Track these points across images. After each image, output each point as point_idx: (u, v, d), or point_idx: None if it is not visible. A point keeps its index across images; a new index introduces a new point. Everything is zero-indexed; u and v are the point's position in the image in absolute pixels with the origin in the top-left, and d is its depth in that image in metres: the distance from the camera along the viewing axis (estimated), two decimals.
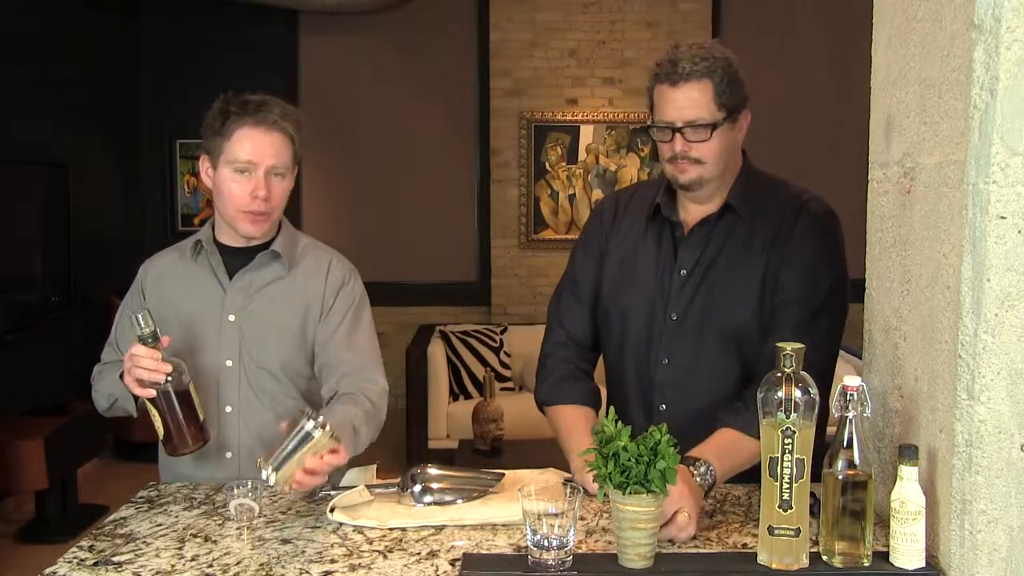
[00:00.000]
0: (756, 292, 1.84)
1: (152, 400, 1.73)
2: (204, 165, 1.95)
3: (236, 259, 1.99)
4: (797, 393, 1.39)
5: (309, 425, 1.57)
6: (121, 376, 1.84)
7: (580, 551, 1.49)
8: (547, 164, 6.44)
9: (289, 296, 1.98)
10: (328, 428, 1.58)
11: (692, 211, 1.92)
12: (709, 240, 1.88)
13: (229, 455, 1.97)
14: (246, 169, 1.87)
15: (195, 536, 1.60)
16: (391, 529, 1.61)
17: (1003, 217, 1.31)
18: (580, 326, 2.02)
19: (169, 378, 1.72)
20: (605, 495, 1.55)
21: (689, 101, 1.77)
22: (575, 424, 1.89)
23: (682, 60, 1.77)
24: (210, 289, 1.98)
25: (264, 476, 1.57)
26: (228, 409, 1.95)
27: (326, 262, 2.02)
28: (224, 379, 1.95)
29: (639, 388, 1.93)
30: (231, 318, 1.96)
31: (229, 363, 1.96)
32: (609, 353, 2.02)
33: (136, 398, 1.84)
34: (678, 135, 1.79)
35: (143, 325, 1.72)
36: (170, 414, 1.74)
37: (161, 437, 1.77)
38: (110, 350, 2.05)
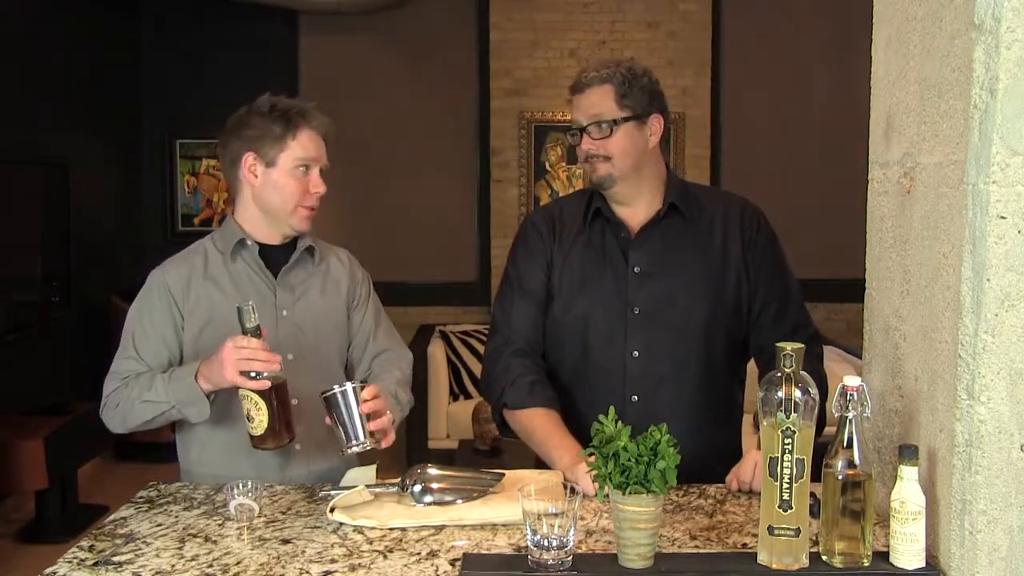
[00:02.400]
0: (715, 284, 2.00)
1: (262, 393, 1.76)
2: (248, 163, 1.99)
3: (269, 257, 2.05)
4: (797, 393, 1.39)
5: (337, 389, 1.77)
6: (196, 376, 1.84)
7: (580, 551, 1.49)
8: (547, 164, 6.44)
9: (326, 287, 2.10)
10: (353, 383, 1.79)
11: (624, 215, 2.03)
12: (659, 237, 2.01)
13: (298, 447, 1.98)
14: (309, 166, 2.00)
15: (195, 536, 1.60)
16: (391, 529, 1.61)
17: (1003, 217, 1.31)
18: (533, 329, 2.06)
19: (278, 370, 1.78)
20: (606, 495, 1.55)
21: (590, 102, 1.97)
22: (555, 426, 1.93)
23: (586, 71, 1.99)
24: (258, 287, 2.02)
25: (354, 450, 1.77)
26: (295, 402, 1.94)
27: (338, 254, 2.18)
28: (288, 373, 1.94)
29: (607, 385, 1.97)
30: (285, 313, 2.02)
31: (291, 357, 1.99)
32: (565, 359, 2.05)
33: (210, 398, 1.86)
34: (584, 135, 1.97)
35: (251, 318, 1.77)
36: (280, 405, 1.78)
37: (261, 432, 1.78)
38: (131, 362, 1.96)
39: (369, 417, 1.80)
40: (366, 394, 1.80)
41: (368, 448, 1.80)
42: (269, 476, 1.94)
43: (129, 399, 1.91)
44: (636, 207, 2.02)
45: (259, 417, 1.77)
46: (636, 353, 1.97)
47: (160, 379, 1.89)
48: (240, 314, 1.77)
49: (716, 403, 2.04)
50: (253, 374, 1.76)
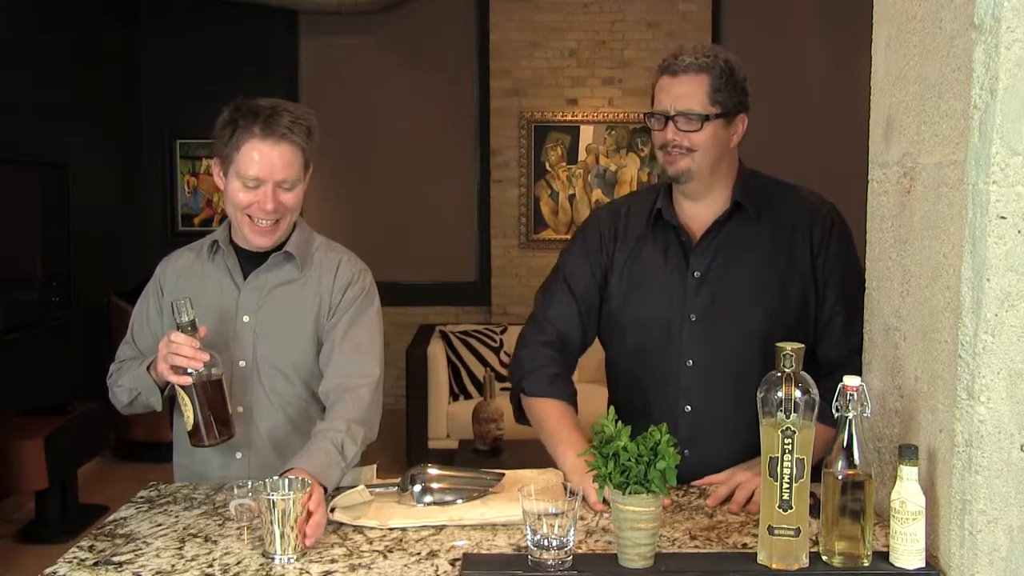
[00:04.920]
0: (777, 291, 1.89)
1: (186, 388, 1.74)
2: (216, 168, 1.95)
3: (252, 260, 2.00)
4: (797, 393, 1.39)
5: (261, 498, 1.50)
6: (149, 368, 1.86)
7: (580, 551, 1.49)
8: (547, 164, 6.44)
9: (302, 297, 1.98)
10: (280, 488, 1.53)
11: (691, 213, 1.94)
12: (721, 241, 1.92)
13: (239, 455, 1.97)
14: (255, 185, 1.87)
15: (195, 536, 1.60)
16: (391, 529, 1.61)
17: (1003, 217, 1.31)
18: (570, 324, 2.00)
19: (205, 367, 1.74)
20: (605, 498, 1.55)
21: (684, 91, 1.84)
22: (566, 420, 1.90)
23: (685, 54, 1.86)
24: (225, 289, 1.99)
25: (281, 562, 1.49)
26: (240, 409, 1.95)
27: (336, 261, 2.03)
28: (237, 379, 1.96)
29: (662, 392, 1.92)
30: (245, 319, 1.97)
31: (242, 363, 1.96)
32: (622, 361, 2.00)
33: (162, 390, 1.86)
34: (670, 123, 1.85)
35: (184, 313, 1.75)
36: (203, 403, 1.75)
37: (189, 428, 1.77)
38: (127, 347, 2.04)
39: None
40: (305, 501, 1.53)
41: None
42: (213, 476, 1.95)
43: (116, 382, 1.99)
44: (703, 204, 1.93)
45: (187, 413, 1.76)
46: (691, 362, 1.89)
47: (133, 366, 1.96)
48: (174, 308, 1.76)
49: None
50: (189, 370, 1.74)
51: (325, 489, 1.66)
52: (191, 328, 1.75)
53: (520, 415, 2.03)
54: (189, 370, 1.73)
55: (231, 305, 1.97)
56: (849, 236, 1.95)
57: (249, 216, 1.89)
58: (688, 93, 1.84)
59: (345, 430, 1.79)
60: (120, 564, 1.48)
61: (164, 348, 1.75)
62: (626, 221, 2.01)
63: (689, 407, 1.90)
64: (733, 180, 1.94)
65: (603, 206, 2.15)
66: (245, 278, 1.98)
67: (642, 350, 1.95)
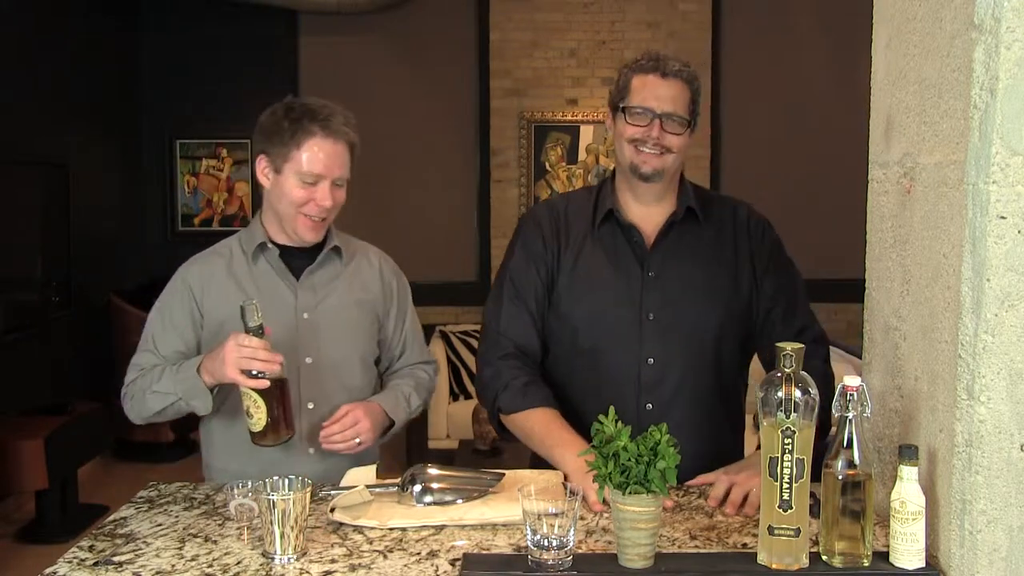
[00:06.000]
0: (729, 289, 1.97)
1: (260, 391, 1.77)
2: (262, 165, 1.97)
3: (294, 258, 2.02)
4: (797, 393, 1.39)
5: (261, 498, 1.49)
6: (197, 371, 1.86)
7: (580, 551, 1.49)
8: (547, 164, 6.44)
9: (353, 290, 2.06)
10: (280, 488, 1.52)
11: (641, 214, 1.98)
12: (673, 241, 1.97)
13: (312, 451, 1.99)
14: (314, 181, 1.92)
15: (195, 536, 1.60)
16: (391, 529, 1.61)
17: (1003, 217, 1.31)
18: (526, 335, 1.98)
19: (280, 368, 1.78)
20: (605, 499, 1.55)
21: (674, 94, 1.90)
22: (553, 423, 1.88)
23: (669, 59, 1.91)
24: (279, 289, 2.01)
25: (281, 562, 1.48)
26: (311, 405, 1.97)
27: (374, 254, 2.15)
28: (305, 377, 1.98)
29: (622, 391, 1.92)
30: (305, 316, 2.00)
31: (309, 360, 1.99)
32: (575, 360, 1.98)
33: (213, 391, 1.88)
34: (657, 121, 1.88)
35: (253, 317, 1.77)
36: (279, 404, 1.79)
37: (259, 428, 1.80)
38: (149, 355, 2.00)
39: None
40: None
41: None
42: (276, 473, 1.93)
43: (141, 390, 1.96)
44: (655, 207, 1.97)
45: (258, 414, 1.79)
46: (651, 360, 1.92)
47: (169, 371, 1.93)
48: (243, 312, 1.78)
49: (728, 408, 2.01)
50: (255, 372, 1.76)
51: (392, 425, 2.03)
52: (259, 331, 1.77)
53: (504, 433, 2.02)
54: (265, 373, 1.76)
55: (289, 305, 2.00)
56: (778, 238, 2.06)
57: (303, 213, 1.94)
58: (677, 96, 1.89)
59: (414, 387, 2.12)
60: (120, 564, 1.48)
61: (234, 352, 1.76)
62: (567, 221, 2.01)
63: (651, 405, 1.92)
64: (677, 187, 2.01)
65: (537, 206, 2.15)
66: (293, 276, 2.02)
67: (596, 350, 1.95)
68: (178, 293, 2.02)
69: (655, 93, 1.88)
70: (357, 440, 1.93)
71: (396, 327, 2.15)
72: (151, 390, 1.93)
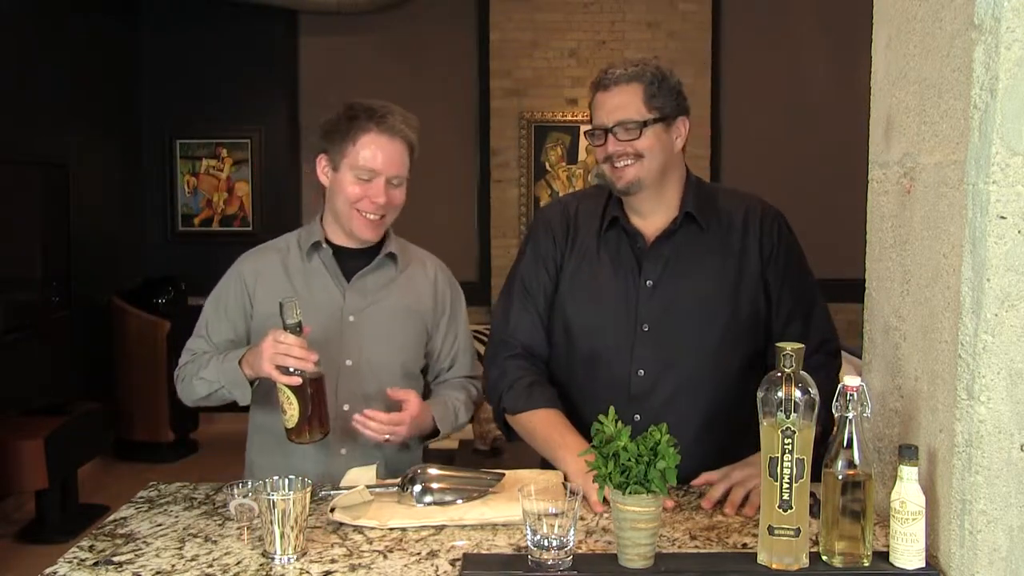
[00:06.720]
0: (729, 303, 1.89)
1: (293, 387, 1.78)
2: (321, 164, 2.00)
3: (348, 260, 2.03)
4: (797, 393, 1.39)
5: (261, 498, 1.49)
6: (240, 362, 1.88)
7: (580, 551, 1.49)
8: (547, 164, 6.44)
9: (403, 298, 2.05)
10: (280, 488, 1.51)
11: (640, 225, 1.94)
12: (672, 249, 1.91)
13: (344, 451, 2.00)
14: (369, 177, 1.93)
15: (195, 536, 1.60)
16: (391, 529, 1.61)
17: (1003, 217, 1.31)
18: (533, 336, 1.98)
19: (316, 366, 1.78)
20: (605, 499, 1.55)
21: (619, 102, 1.87)
22: (557, 424, 1.88)
23: (614, 68, 1.89)
24: (328, 289, 2.02)
25: (281, 563, 1.47)
26: (346, 407, 1.97)
27: (431, 263, 2.14)
28: (343, 378, 1.99)
29: (612, 401, 1.83)
30: (351, 319, 2.01)
31: (349, 363, 2.00)
32: (573, 366, 1.97)
33: (252, 384, 1.90)
34: (610, 136, 1.87)
35: (292, 315, 1.78)
36: (312, 402, 1.79)
37: (292, 425, 1.81)
38: (201, 341, 2.06)
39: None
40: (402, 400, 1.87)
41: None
42: (312, 473, 1.90)
43: (190, 375, 2.01)
44: (654, 216, 1.93)
45: (291, 411, 1.80)
46: (641, 372, 1.88)
47: (216, 360, 1.97)
48: (281, 308, 1.79)
49: (729, 422, 1.89)
50: (290, 369, 1.77)
51: (436, 433, 2.04)
52: (297, 328, 1.78)
53: (509, 432, 2.02)
54: (295, 369, 1.77)
55: (336, 306, 2.01)
56: (794, 239, 1.98)
57: (358, 210, 1.95)
58: (623, 104, 1.86)
59: (464, 401, 2.10)
60: (120, 564, 1.48)
61: (270, 348, 1.78)
62: (576, 222, 2.00)
63: (639, 416, 1.87)
64: (681, 189, 1.95)
65: (551, 204, 2.12)
66: (345, 278, 2.02)
67: (592, 358, 1.93)
68: (232, 283, 2.06)
69: (603, 109, 1.89)
70: (387, 437, 1.92)
71: (446, 339, 2.14)
72: (198, 376, 1.98)
